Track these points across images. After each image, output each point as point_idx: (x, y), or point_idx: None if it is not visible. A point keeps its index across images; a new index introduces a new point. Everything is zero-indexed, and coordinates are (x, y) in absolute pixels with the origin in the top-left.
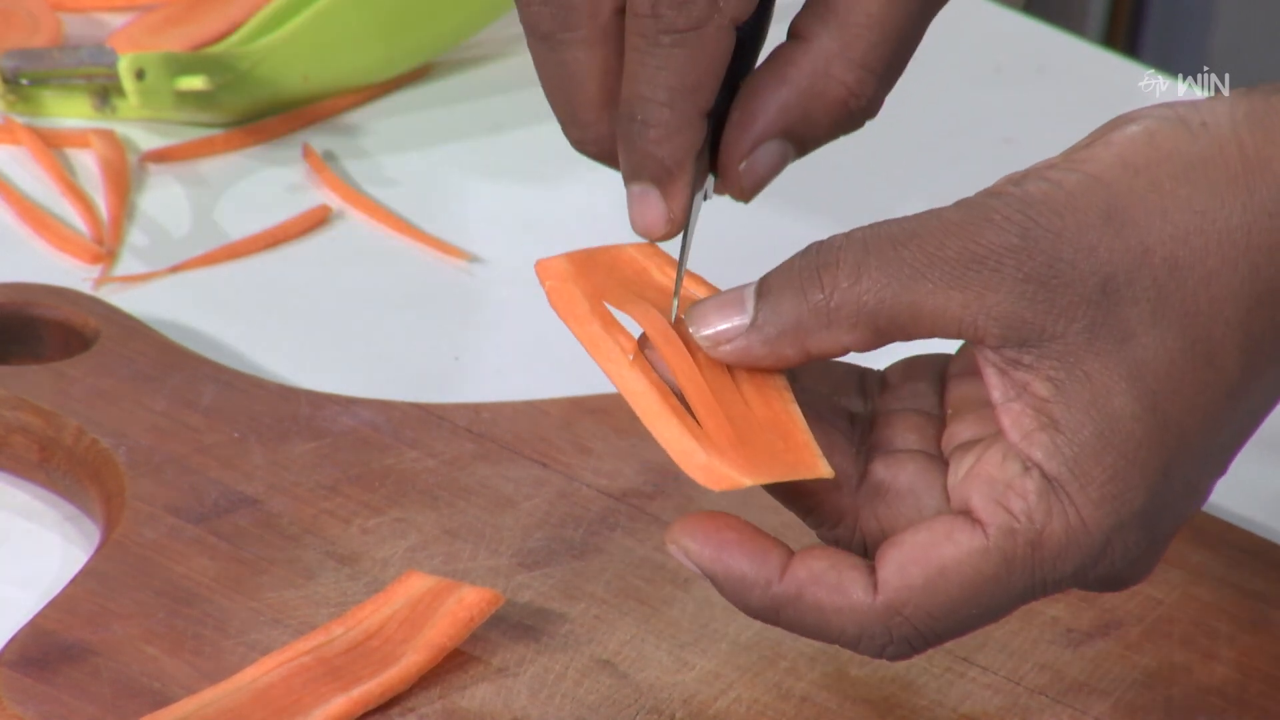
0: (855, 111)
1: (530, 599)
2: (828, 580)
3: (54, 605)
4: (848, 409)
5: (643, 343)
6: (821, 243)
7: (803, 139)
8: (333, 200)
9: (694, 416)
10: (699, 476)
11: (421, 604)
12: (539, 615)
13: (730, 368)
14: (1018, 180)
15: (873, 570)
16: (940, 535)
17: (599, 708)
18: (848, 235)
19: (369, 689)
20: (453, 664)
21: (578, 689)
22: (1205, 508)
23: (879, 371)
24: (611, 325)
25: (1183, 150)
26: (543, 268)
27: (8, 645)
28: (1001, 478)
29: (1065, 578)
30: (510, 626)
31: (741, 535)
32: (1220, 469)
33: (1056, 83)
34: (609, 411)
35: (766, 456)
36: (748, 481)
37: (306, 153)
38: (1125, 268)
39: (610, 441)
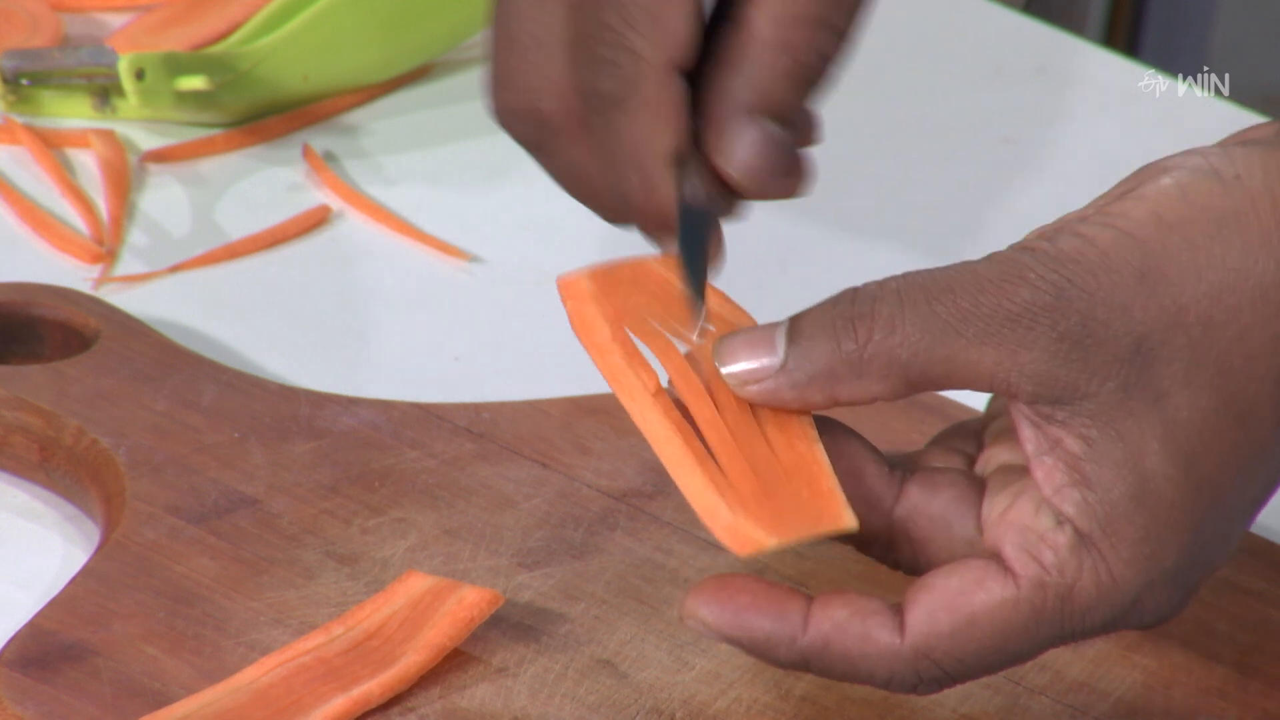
0: (811, 65)
1: (530, 599)
2: (853, 630)
3: (54, 605)
4: None
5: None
6: (856, 291)
7: (779, 112)
8: (333, 200)
9: (715, 462)
10: (724, 539)
11: (422, 604)
12: (539, 615)
13: (763, 410)
14: (1050, 235)
15: (898, 612)
16: (971, 582)
17: (599, 708)
18: (881, 285)
19: (369, 689)
20: (453, 664)
21: (578, 689)
22: None
23: None
24: (633, 357)
25: (1216, 205)
26: (564, 286)
27: (8, 645)
28: (1035, 528)
29: (1094, 628)
30: (510, 626)
31: (757, 596)
32: (1251, 518)
33: (1056, 83)
34: (609, 411)
35: (792, 509)
36: (773, 544)
37: (306, 153)
38: (1159, 327)
39: (610, 441)
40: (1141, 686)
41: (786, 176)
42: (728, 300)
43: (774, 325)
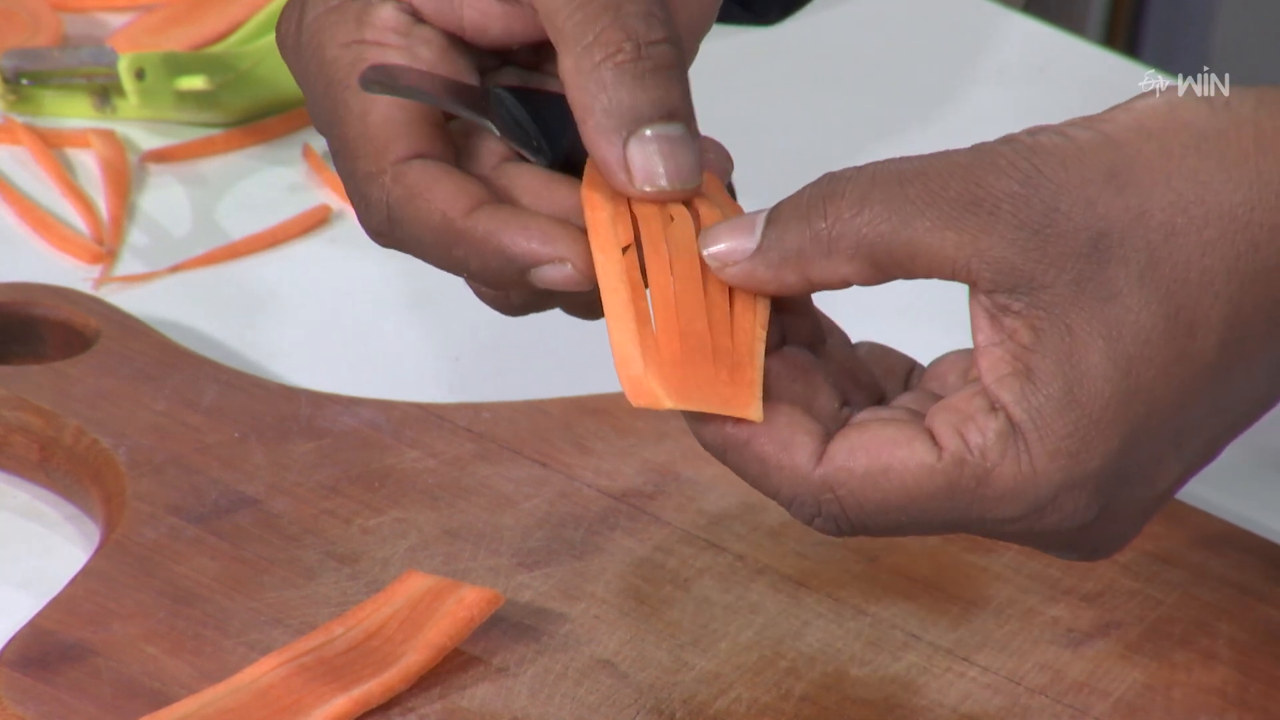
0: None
1: (530, 599)
2: (779, 436)
3: (54, 605)
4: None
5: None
6: (833, 174)
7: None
8: (333, 200)
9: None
10: (626, 388)
11: (422, 604)
12: (539, 615)
13: (717, 295)
14: (1034, 131)
15: (825, 441)
16: (901, 437)
17: (599, 708)
18: (859, 169)
19: (369, 689)
20: (453, 664)
21: (578, 689)
22: (1205, 507)
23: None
24: (620, 218)
25: (1200, 122)
26: (589, 165)
27: (8, 645)
28: (968, 410)
29: (1005, 521)
30: (510, 626)
31: None
32: (1198, 455)
33: (1056, 83)
34: (609, 411)
35: (703, 383)
36: (669, 404)
37: (307, 153)
38: (1120, 226)
39: (610, 441)
40: (1141, 686)
41: (680, 165)
42: (729, 199)
43: (757, 212)
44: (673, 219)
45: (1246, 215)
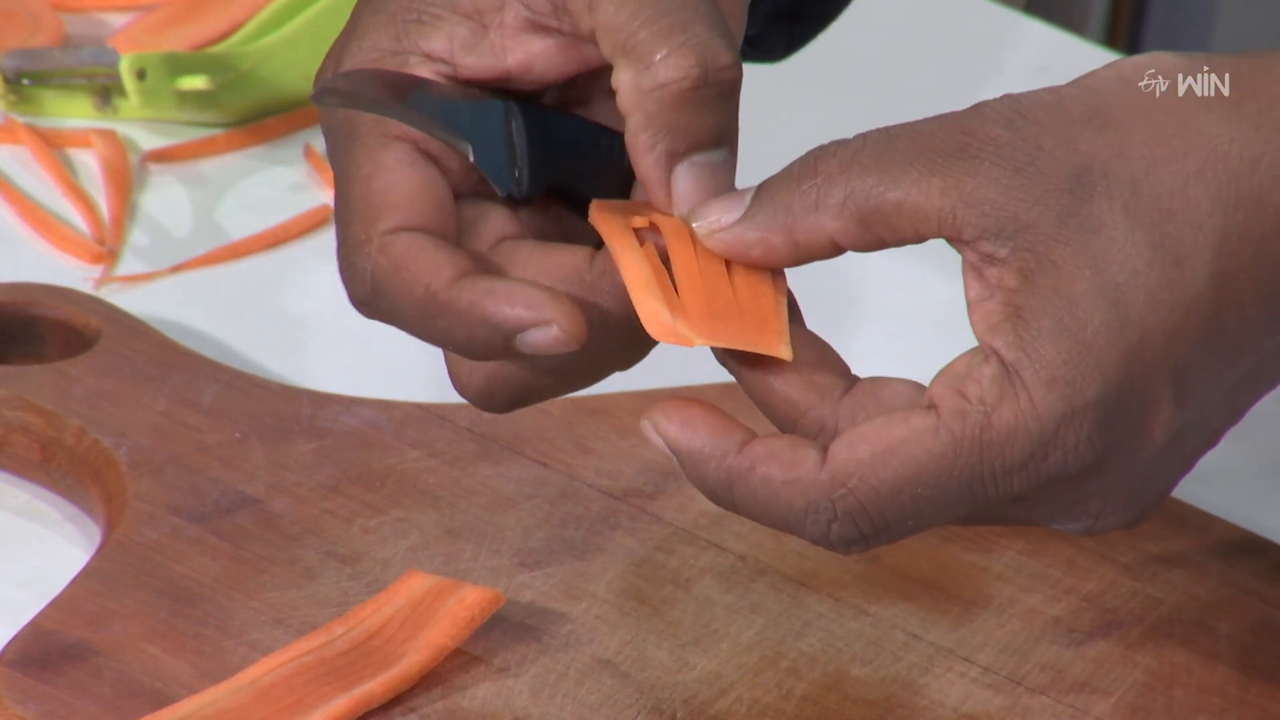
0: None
1: (531, 599)
2: (782, 456)
3: (55, 605)
4: None
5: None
6: (823, 144)
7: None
8: (333, 200)
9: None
10: (652, 328)
11: (423, 604)
12: (540, 615)
13: (731, 269)
14: (1026, 92)
15: (825, 451)
16: (896, 420)
17: (600, 708)
18: (849, 138)
19: (370, 689)
20: (454, 664)
21: (579, 689)
22: (1206, 507)
23: None
24: (629, 211)
25: (1178, 66)
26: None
27: (9, 645)
28: (963, 369)
29: (1014, 467)
30: (511, 626)
31: (709, 414)
32: (1208, 415)
33: (1056, 83)
34: (610, 411)
35: (733, 326)
36: (698, 340)
37: (308, 153)
38: (1102, 160)
39: (611, 441)
40: (1142, 686)
41: (717, 187)
42: None
43: (748, 187)
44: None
45: (1226, 147)
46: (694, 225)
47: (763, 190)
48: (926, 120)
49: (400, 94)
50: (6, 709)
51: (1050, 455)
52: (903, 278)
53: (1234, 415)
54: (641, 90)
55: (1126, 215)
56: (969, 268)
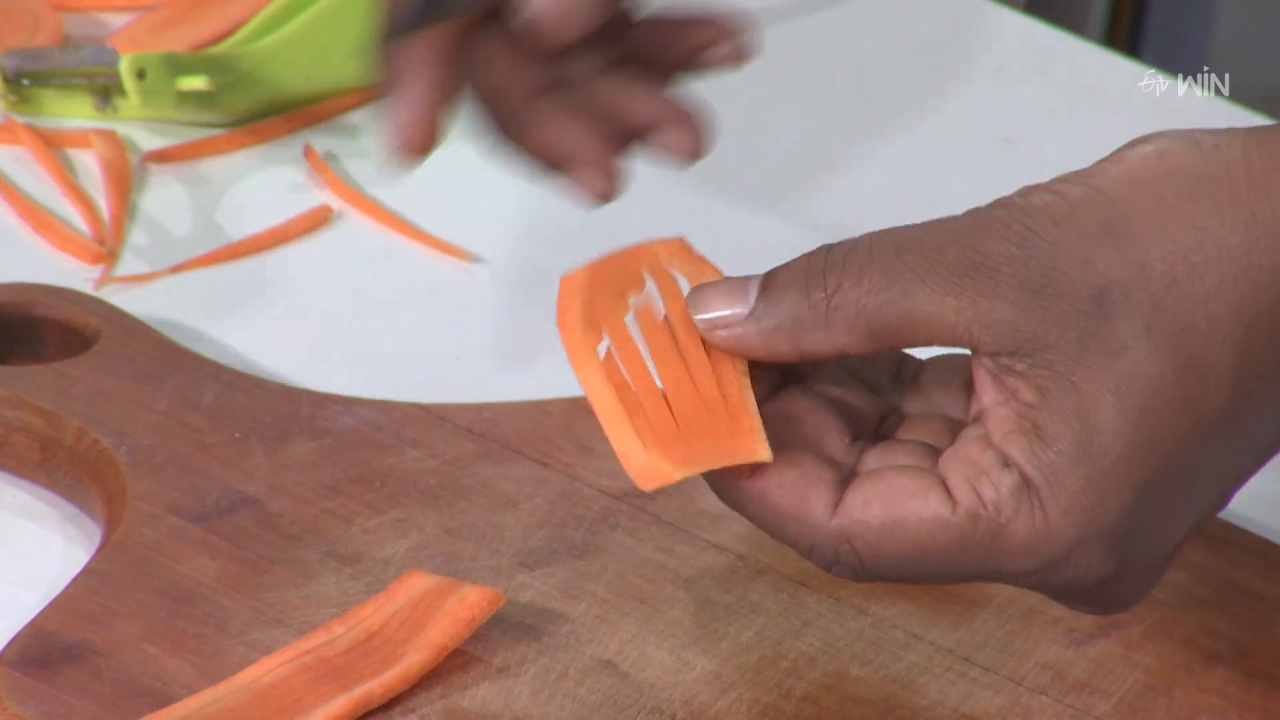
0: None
1: (531, 599)
2: (794, 491)
3: (55, 605)
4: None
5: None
6: (831, 245)
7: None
8: (334, 200)
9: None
10: (635, 477)
11: (423, 604)
12: (540, 615)
13: (694, 353)
14: (1026, 192)
15: (840, 490)
16: (916, 489)
17: (600, 708)
18: (856, 240)
19: (370, 689)
20: (454, 664)
21: (579, 689)
22: None
23: (920, 361)
24: (591, 329)
25: (1191, 168)
26: (563, 282)
27: (9, 645)
28: (981, 464)
29: (1020, 575)
30: (511, 626)
31: None
32: (1210, 503)
33: (1056, 83)
34: None
35: (707, 445)
36: (678, 475)
37: (308, 153)
38: (1121, 281)
39: None
40: (1142, 686)
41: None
42: (696, 255)
43: (750, 277)
44: (642, 283)
45: (1245, 258)
46: (695, 318)
47: (769, 290)
48: (933, 228)
49: None
50: (6, 709)
51: (1061, 571)
52: None
53: (1239, 479)
54: None
55: (1149, 336)
56: (984, 372)
